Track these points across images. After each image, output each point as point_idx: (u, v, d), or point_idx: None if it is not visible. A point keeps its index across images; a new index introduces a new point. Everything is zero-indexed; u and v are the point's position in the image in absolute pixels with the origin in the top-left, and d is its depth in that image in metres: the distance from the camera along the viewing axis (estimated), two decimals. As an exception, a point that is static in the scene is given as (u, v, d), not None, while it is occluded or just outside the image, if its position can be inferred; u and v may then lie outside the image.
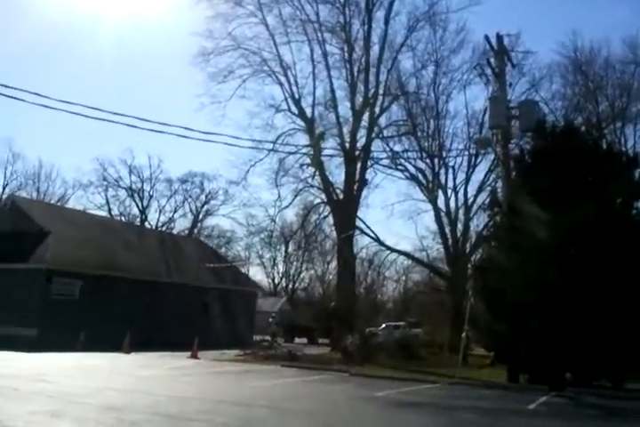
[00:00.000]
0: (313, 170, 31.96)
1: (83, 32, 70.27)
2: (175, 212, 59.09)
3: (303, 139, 32.99)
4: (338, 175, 32.81)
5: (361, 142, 31.71)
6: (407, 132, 32.75)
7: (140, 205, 57.29)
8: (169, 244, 35.99)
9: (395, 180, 35.38)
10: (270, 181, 32.40)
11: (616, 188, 15.80)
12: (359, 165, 31.37)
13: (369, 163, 32.15)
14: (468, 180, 32.25)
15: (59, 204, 50.12)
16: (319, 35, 31.92)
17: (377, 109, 32.03)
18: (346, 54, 32.06)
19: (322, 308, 45.49)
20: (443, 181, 32.12)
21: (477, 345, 21.70)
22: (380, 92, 31.99)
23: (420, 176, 32.56)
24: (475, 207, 32.16)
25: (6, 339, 20.71)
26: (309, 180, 32.60)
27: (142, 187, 57.14)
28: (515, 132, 19.28)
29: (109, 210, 55.40)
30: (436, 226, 32.91)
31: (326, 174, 31.62)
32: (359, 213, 31.97)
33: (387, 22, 31.83)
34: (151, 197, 57.66)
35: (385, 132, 33.41)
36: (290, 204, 33.36)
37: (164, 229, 55.28)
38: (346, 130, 31.75)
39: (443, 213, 31.78)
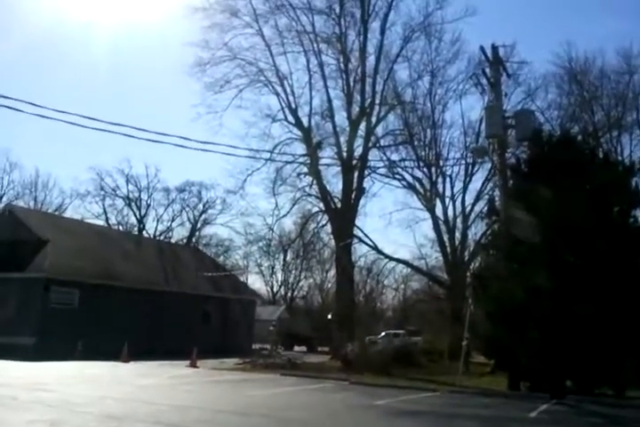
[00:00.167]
0: (310, 179, 32.11)
1: (77, 41, 70.55)
2: (173, 221, 59.03)
3: (300, 148, 33.15)
4: (335, 184, 33.01)
5: (358, 151, 31.92)
6: (404, 142, 32.99)
7: (137, 214, 57.21)
8: (167, 253, 35.96)
9: (392, 188, 35.52)
10: (268, 190, 32.58)
11: (613, 196, 15.90)
12: (356, 174, 31.51)
13: (366, 172, 32.35)
14: (465, 188, 32.49)
15: (56, 213, 50.03)
16: (315, 45, 32.20)
17: (373, 119, 32.23)
18: (342, 64, 32.34)
19: (321, 316, 45.41)
20: (440, 189, 32.37)
21: (478, 353, 21.69)
22: (377, 101, 32.24)
23: (418, 185, 32.79)
24: (472, 216, 32.40)
25: (4, 348, 20.63)
26: (307, 189, 32.77)
27: (140, 196, 57.07)
28: (511, 141, 19.39)
29: (107, 219, 55.30)
30: (434, 234, 33.10)
31: (324, 183, 31.78)
32: (357, 222, 32.14)
33: (382, 33, 32.18)
34: (149, 206, 57.63)
35: (382, 142, 33.69)
36: (288, 212, 33.52)
37: (161, 238, 55.20)
38: (343, 139, 31.97)
39: (441, 222, 31.94)
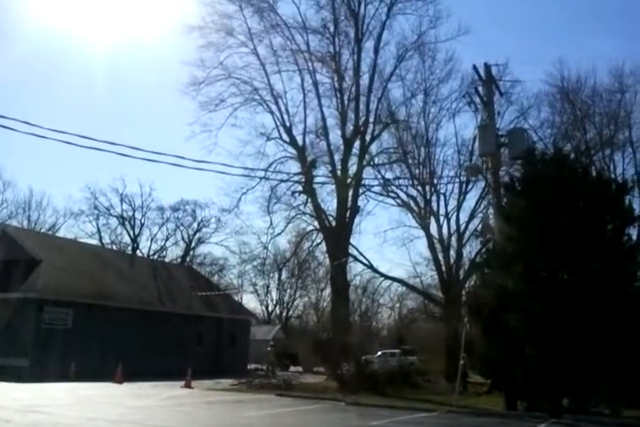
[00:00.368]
0: (305, 197, 32.12)
1: (72, 59, 70.70)
2: (167, 240, 58.90)
3: (295, 166, 33.25)
4: (330, 202, 33.02)
5: (352, 170, 31.98)
6: (398, 160, 33.13)
7: (131, 233, 57.08)
8: (161, 272, 35.83)
9: (387, 207, 35.54)
10: (262, 208, 32.50)
11: (607, 214, 16.01)
12: (351, 193, 31.56)
13: (361, 190, 32.39)
14: (459, 207, 32.52)
15: (50, 232, 49.83)
16: (309, 64, 32.44)
17: (368, 137, 32.38)
18: (336, 83, 32.57)
19: (316, 336, 45.10)
20: (434, 207, 32.37)
21: (474, 372, 21.58)
22: (371, 120, 32.41)
23: (412, 203, 32.82)
24: (467, 234, 32.35)
25: (-3, 370, 20.45)
26: (302, 207, 32.71)
27: (134, 215, 56.96)
28: (504, 159, 19.55)
29: (100, 238, 55.12)
30: (429, 252, 33.03)
31: (318, 202, 31.77)
32: (352, 240, 32.05)
33: (376, 52, 32.47)
34: (143, 225, 57.51)
35: (376, 160, 33.78)
36: (282, 231, 33.37)
37: (155, 257, 55.01)
38: (337, 157, 32.06)
39: (435, 240, 31.91)
